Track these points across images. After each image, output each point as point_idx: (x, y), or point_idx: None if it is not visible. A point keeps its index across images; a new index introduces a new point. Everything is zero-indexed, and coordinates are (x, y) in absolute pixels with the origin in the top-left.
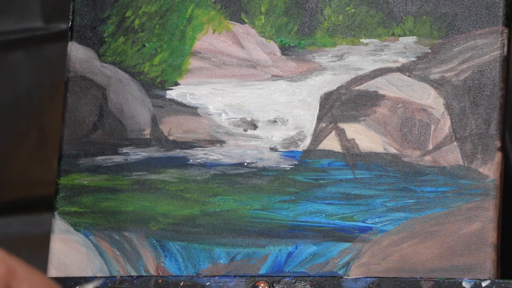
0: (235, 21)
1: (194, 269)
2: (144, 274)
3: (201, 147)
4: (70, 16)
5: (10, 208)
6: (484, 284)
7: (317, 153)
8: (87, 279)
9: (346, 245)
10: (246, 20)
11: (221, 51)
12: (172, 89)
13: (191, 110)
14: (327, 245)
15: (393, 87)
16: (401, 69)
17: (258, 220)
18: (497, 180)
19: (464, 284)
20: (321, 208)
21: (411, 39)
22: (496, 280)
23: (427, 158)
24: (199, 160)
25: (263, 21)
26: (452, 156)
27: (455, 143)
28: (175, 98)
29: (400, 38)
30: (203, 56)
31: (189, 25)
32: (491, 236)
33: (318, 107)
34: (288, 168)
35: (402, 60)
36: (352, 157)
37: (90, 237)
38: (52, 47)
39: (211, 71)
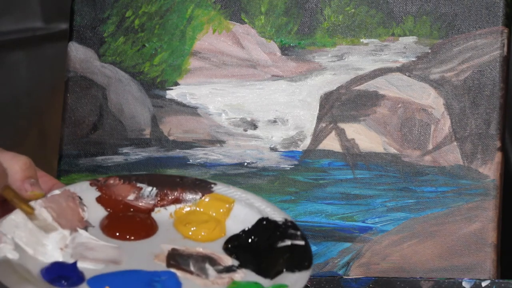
0: (235, 21)
1: None
2: None
3: (201, 147)
4: (70, 16)
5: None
6: (484, 284)
7: (317, 153)
8: None
9: (346, 245)
10: (246, 20)
11: (221, 51)
12: (172, 89)
13: (191, 110)
14: (327, 245)
15: (393, 87)
16: (401, 69)
17: None
18: (497, 180)
19: (464, 284)
20: (321, 208)
21: (411, 39)
22: (496, 280)
23: (427, 158)
24: (199, 160)
25: (263, 21)
26: (452, 156)
27: (455, 143)
28: (175, 98)
29: (400, 38)
30: (203, 56)
31: (189, 25)
32: (491, 236)
33: (318, 107)
34: (288, 168)
35: (402, 60)
36: (352, 157)
37: None
38: (52, 47)
39: (211, 71)
